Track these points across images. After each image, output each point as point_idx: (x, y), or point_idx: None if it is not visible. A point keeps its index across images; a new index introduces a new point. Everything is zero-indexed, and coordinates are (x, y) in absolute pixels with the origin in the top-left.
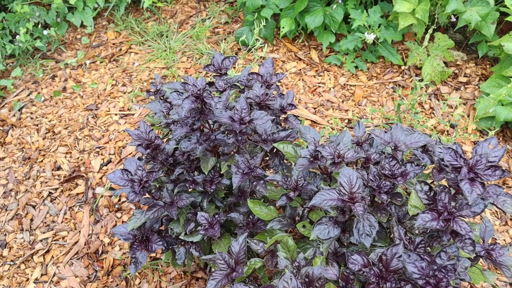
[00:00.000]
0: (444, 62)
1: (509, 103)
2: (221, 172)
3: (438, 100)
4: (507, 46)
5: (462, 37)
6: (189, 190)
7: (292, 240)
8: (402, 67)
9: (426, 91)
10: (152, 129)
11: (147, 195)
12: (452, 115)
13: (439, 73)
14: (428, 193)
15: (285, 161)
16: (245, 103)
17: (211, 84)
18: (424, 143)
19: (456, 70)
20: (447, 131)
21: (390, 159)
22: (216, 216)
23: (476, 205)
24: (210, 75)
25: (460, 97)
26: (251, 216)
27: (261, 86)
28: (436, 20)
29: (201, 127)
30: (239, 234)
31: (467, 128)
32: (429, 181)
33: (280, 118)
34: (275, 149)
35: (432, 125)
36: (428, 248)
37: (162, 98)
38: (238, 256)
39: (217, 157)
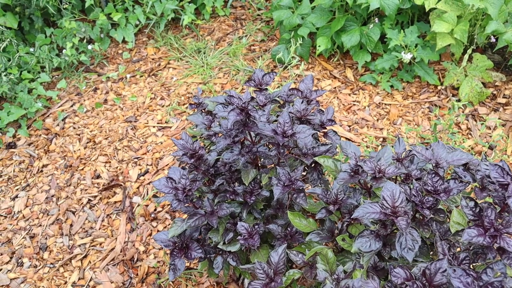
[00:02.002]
0: (482, 83)
1: None
2: (261, 184)
3: (475, 121)
4: None
5: (501, 58)
6: (229, 201)
7: (331, 253)
8: (439, 87)
9: (463, 112)
10: (196, 140)
11: (188, 204)
12: (490, 136)
13: (477, 93)
14: (474, 209)
15: (323, 176)
16: (288, 117)
17: (251, 99)
18: (466, 161)
19: (494, 91)
20: (485, 152)
21: (433, 175)
22: (256, 226)
23: None
24: (247, 90)
25: (499, 118)
26: (289, 228)
27: (302, 101)
28: (474, 40)
29: (243, 140)
30: (277, 245)
31: (506, 150)
32: None
33: (319, 133)
34: (313, 164)
35: (469, 145)
36: (472, 265)
37: (203, 110)
38: (277, 266)
39: (257, 169)
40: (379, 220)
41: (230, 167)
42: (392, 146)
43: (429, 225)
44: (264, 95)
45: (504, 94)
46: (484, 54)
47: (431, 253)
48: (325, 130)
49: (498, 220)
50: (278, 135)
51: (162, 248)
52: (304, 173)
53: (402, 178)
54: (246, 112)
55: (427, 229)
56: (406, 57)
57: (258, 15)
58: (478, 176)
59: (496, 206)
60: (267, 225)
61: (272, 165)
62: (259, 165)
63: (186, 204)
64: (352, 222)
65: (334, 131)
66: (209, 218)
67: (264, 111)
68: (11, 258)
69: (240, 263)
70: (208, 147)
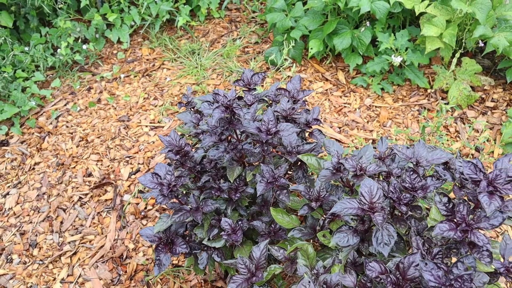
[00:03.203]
0: (471, 87)
1: None
2: (246, 181)
3: (464, 123)
4: None
5: (491, 62)
6: (214, 197)
7: (312, 248)
8: (428, 90)
9: (452, 115)
10: (183, 137)
11: (174, 200)
12: (478, 139)
13: (465, 97)
14: (447, 204)
15: (308, 174)
16: (272, 115)
17: (240, 98)
18: (446, 160)
19: (483, 95)
20: (472, 154)
21: (411, 172)
22: (239, 222)
23: (494, 218)
24: (240, 89)
25: (487, 122)
26: (273, 225)
27: (288, 101)
28: (464, 44)
29: (229, 138)
30: (261, 242)
31: (492, 152)
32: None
33: (306, 132)
34: (299, 163)
35: (457, 148)
36: (446, 259)
37: (192, 109)
38: (259, 261)
39: (243, 167)
40: (357, 216)
41: (215, 164)
42: (375, 147)
43: (406, 221)
44: (252, 94)
45: (492, 98)
46: (474, 58)
47: (409, 249)
48: (311, 129)
49: (471, 216)
50: (262, 133)
51: (151, 245)
52: (290, 172)
53: (384, 176)
54: (231, 109)
55: (404, 225)
56: (396, 60)
57: (253, 17)
58: (457, 175)
59: (471, 203)
60: (252, 222)
61: (258, 163)
62: (245, 162)
63: (172, 200)
64: (334, 218)
65: (320, 130)
66: (194, 214)
67: (249, 109)
68: (0, 254)
69: (224, 259)
70: (196, 145)
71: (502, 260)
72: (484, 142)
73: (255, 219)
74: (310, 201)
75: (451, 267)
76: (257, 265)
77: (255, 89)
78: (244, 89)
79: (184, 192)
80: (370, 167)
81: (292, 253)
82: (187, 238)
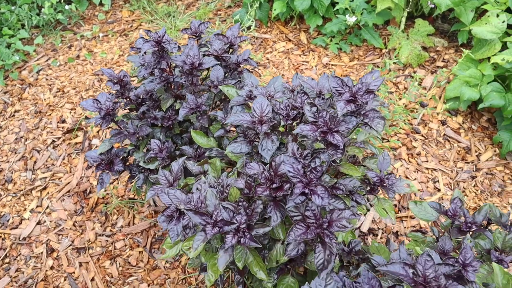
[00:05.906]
0: (424, 48)
1: (474, 84)
2: (177, 109)
3: (412, 81)
4: (475, 30)
5: (450, 26)
6: (151, 126)
7: (219, 162)
8: (383, 50)
9: (403, 73)
10: (122, 70)
11: (116, 127)
12: (425, 96)
13: (416, 56)
14: (315, 113)
15: None
16: (197, 50)
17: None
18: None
19: (435, 55)
20: (416, 109)
21: (303, 94)
22: (166, 143)
23: (350, 122)
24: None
25: (438, 81)
26: (199, 150)
27: (220, 43)
28: (420, 7)
29: (167, 74)
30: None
31: (436, 107)
32: None
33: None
34: (228, 99)
35: (403, 103)
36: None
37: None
38: (177, 174)
39: (176, 99)
40: (249, 128)
41: (151, 95)
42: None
43: (293, 134)
44: (195, 40)
45: (443, 59)
46: (434, 23)
47: None
48: (240, 69)
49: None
50: (186, 65)
51: (112, 182)
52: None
53: None
54: (160, 45)
55: (292, 137)
56: (350, 20)
57: None
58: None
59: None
60: (181, 147)
61: None
62: (179, 95)
63: (115, 127)
64: None
65: (248, 70)
66: (130, 137)
67: (176, 44)
68: None
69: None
70: (141, 82)
71: (379, 172)
72: (425, 96)
73: (187, 145)
74: (225, 125)
75: (309, 162)
76: (175, 177)
77: (200, 36)
78: (190, 36)
79: (127, 121)
80: (277, 94)
81: (207, 168)
82: (129, 163)
